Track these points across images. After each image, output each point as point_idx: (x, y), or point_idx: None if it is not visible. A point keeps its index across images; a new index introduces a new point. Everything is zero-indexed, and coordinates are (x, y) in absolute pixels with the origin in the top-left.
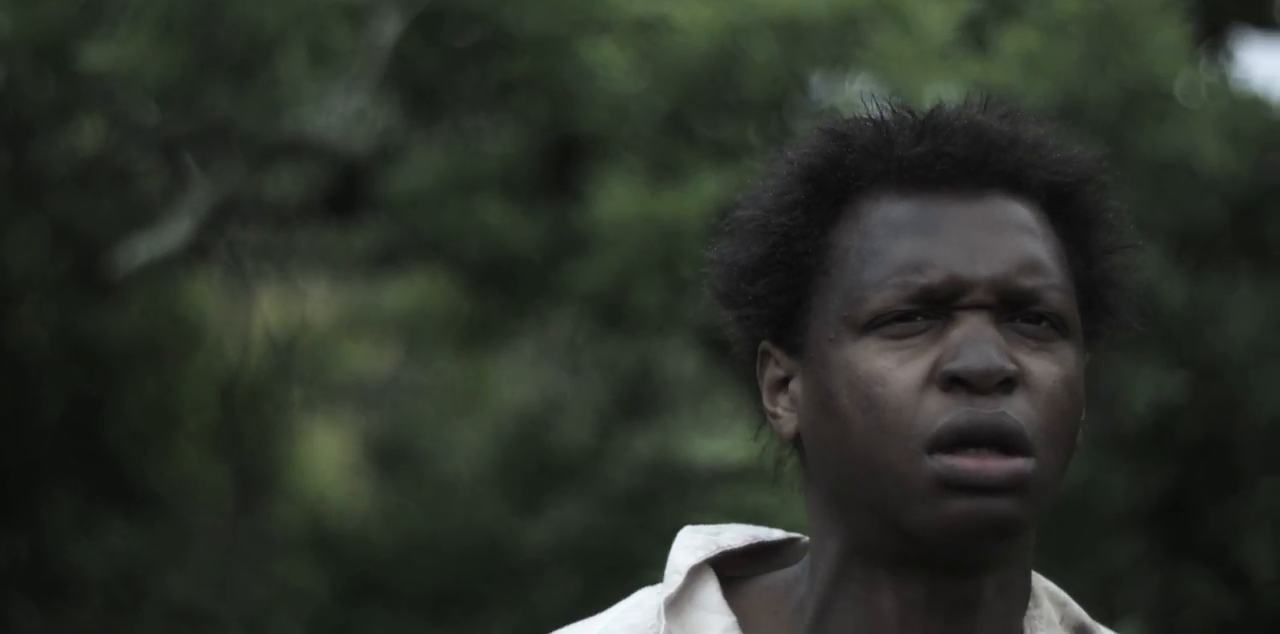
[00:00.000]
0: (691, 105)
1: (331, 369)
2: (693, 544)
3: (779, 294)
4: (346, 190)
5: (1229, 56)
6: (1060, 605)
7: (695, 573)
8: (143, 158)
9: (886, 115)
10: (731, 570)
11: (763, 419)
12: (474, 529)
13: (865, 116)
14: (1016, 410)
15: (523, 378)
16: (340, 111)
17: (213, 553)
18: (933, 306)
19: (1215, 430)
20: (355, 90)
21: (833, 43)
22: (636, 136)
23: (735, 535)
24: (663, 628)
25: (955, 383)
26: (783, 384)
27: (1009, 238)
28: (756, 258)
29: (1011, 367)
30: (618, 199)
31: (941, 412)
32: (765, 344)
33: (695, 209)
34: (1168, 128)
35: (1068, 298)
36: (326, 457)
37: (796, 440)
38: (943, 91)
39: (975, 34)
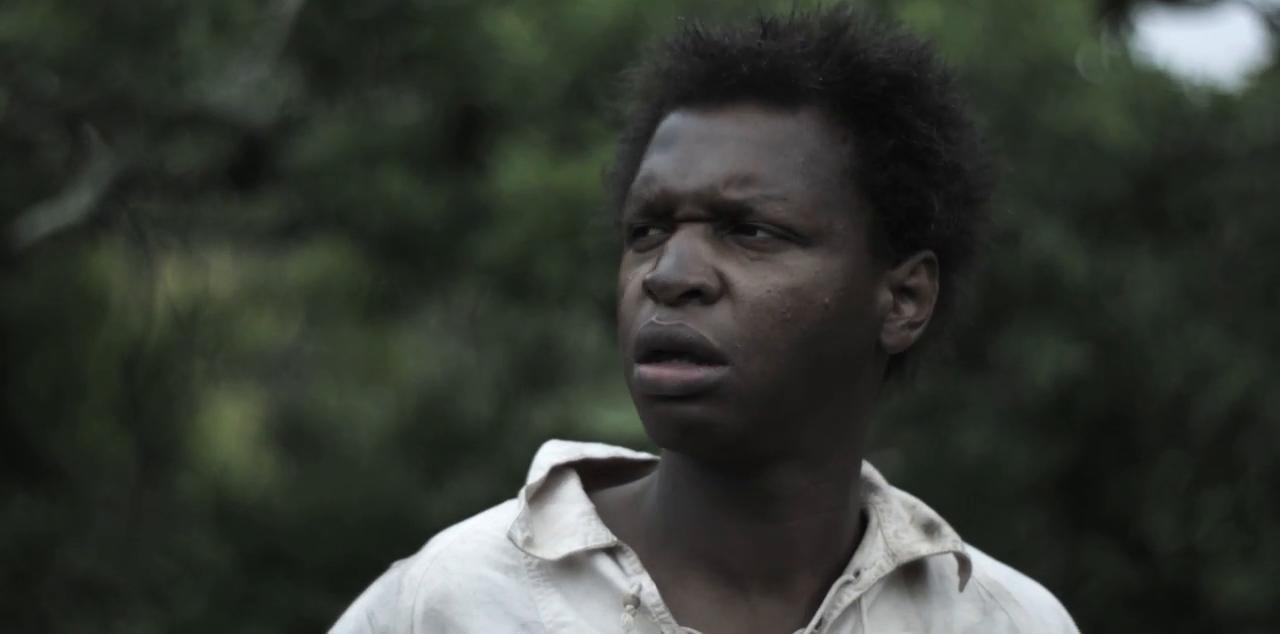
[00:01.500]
0: (594, 77)
1: (234, 340)
2: (558, 450)
3: (619, 211)
4: (249, 161)
5: (1131, 30)
6: (910, 507)
7: (557, 471)
8: (44, 129)
9: (682, 39)
10: (596, 485)
11: None
12: (377, 501)
13: (669, 41)
14: (707, 322)
15: (425, 349)
16: (242, 82)
17: (116, 524)
18: (660, 220)
19: (1117, 403)
20: (257, 61)
21: (736, 15)
22: (539, 108)
23: (600, 449)
24: (521, 512)
25: (651, 294)
26: None
27: (725, 150)
28: (612, 177)
29: (694, 279)
30: (520, 170)
31: (641, 323)
32: None
33: (597, 181)
34: (1070, 101)
35: (799, 208)
36: (229, 428)
37: None
38: None
39: (879, 6)
